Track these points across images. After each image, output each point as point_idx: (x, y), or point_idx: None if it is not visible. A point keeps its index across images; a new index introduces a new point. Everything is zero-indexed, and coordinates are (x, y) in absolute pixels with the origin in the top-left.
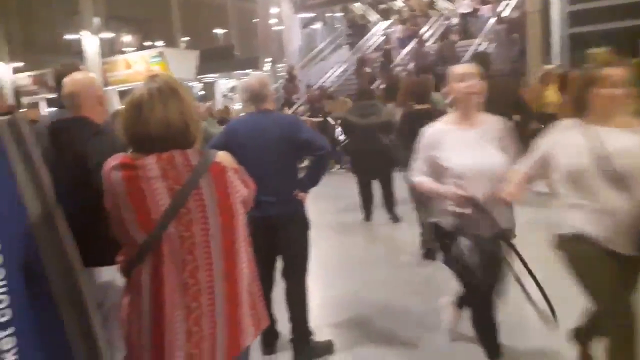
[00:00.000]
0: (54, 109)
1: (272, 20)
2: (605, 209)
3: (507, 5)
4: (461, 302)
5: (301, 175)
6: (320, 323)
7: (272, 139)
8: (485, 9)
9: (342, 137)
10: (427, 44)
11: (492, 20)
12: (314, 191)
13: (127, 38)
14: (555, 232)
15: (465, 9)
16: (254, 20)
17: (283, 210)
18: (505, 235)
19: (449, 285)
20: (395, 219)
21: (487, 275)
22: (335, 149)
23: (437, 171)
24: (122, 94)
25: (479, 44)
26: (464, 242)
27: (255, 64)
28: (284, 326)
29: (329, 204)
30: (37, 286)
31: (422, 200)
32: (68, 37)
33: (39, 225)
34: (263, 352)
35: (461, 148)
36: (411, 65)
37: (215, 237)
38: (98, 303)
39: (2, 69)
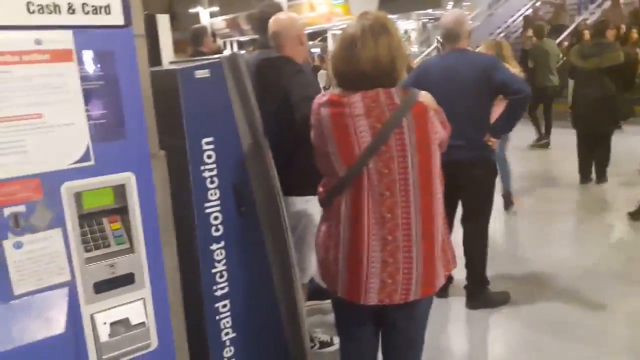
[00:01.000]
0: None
1: None
2: None
3: None
4: None
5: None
6: (498, 273)
7: (466, 80)
8: None
9: None
10: None
11: None
12: None
13: None
14: None
15: None
16: None
17: (471, 155)
18: None
19: None
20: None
21: None
22: None
23: None
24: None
25: None
26: None
27: (437, 4)
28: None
29: None
30: (245, 206)
31: None
32: None
33: (250, 153)
34: (436, 295)
35: None
36: None
37: (413, 175)
38: (292, 228)
39: (202, 14)
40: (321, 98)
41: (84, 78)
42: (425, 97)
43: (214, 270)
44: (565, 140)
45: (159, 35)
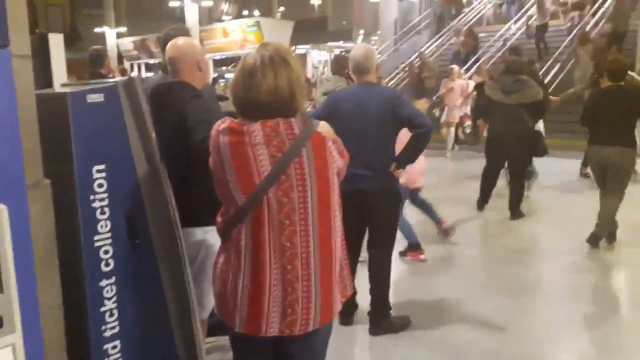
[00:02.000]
0: (152, 73)
1: None
2: None
3: None
4: None
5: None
6: (400, 300)
7: (373, 113)
8: None
9: None
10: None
11: None
12: None
13: (226, 6)
14: None
15: None
16: None
17: (376, 185)
18: None
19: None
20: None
21: None
22: None
23: None
24: (218, 62)
25: None
26: None
27: (348, 37)
28: (362, 299)
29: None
30: (140, 238)
31: None
32: (172, 3)
33: (146, 180)
34: (340, 322)
35: None
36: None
37: (312, 204)
38: (189, 260)
39: (108, 34)
40: (220, 125)
41: None
42: (323, 127)
43: (102, 309)
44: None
45: (51, 55)
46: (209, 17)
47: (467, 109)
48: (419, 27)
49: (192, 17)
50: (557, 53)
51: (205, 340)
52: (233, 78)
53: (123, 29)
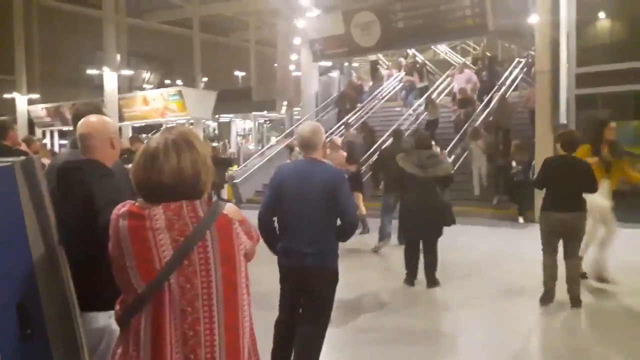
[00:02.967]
0: (66, 142)
1: (291, 67)
2: None
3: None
4: None
5: None
6: None
7: (315, 190)
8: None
9: None
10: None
11: None
12: None
13: (147, 75)
14: None
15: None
16: (274, 65)
17: (316, 262)
18: None
19: None
20: (435, 283)
21: None
22: None
23: None
24: (137, 130)
25: None
26: None
27: (272, 107)
28: None
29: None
30: (32, 328)
31: None
32: (90, 71)
33: (42, 264)
34: None
35: None
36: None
37: (217, 289)
38: (91, 349)
39: (19, 100)
40: (120, 209)
41: None
42: (229, 208)
43: None
44: None
45: None
46: (129, 85)
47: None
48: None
49: (110, 85)
50: (449, 146)
51: None
52: (135, 160)
53: (36, 96)
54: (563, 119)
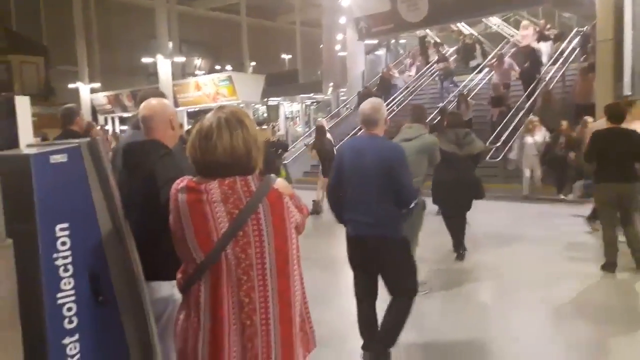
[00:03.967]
0: (126, 127)
1: (337, 47)
2: None
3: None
4: None
5: None
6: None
7: (373, 165)
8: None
9: None
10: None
11: None
12: None
13: (198, 61)
14: None
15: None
16: (320, 46)
17: (377, 232)
18: None
19: None
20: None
21: None
22: None
23: None
24: (191, 115)
25: None
26: None
27: (318, 89)
28: None
29: None
30: (104, 295)
31: None
32: (144, 60)
33: (109, 237)
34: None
35: None
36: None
37: (270, 259)
38: (157, 316)
39: (82, 89)
40: (179, 184)
41: None
42: (280, 183)
43: None
44: None
45: (17, 117)
46: (182, 71)
47: None
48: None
49: (165, 72)
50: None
51: None
52: (190, 139)
53: (97, 85)
54: (627, 90)
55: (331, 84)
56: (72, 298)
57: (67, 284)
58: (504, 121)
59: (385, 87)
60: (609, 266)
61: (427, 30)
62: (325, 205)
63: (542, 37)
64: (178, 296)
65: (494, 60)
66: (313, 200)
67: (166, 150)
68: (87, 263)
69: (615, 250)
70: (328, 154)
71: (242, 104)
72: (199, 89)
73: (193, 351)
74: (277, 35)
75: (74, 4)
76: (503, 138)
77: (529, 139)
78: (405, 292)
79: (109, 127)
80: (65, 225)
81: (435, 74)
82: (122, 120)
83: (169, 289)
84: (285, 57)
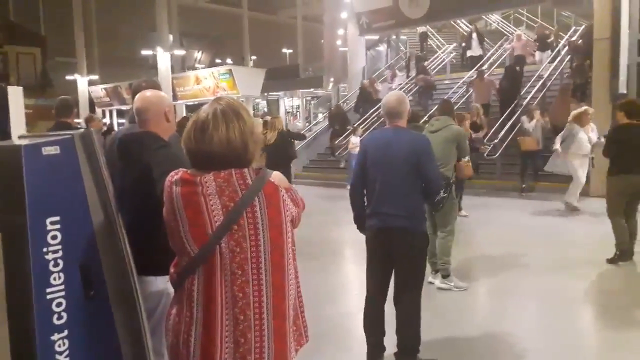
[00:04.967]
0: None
1: (338, 42)
2: None
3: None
4: None
5: None
6: (429, 340)
7: (400, 156)
8: None
9: None
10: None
11: None
12: None
13: (199, 55)
14: None
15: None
16: (321, 41)
17: (402, 224)
18: None
19: None
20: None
21: None
22: None
23: None
24: (190, 108)
25: None
26: None
27: (318, 84)
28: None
29: None
30: (95, 290)
31: None
32: (144, 52)
33: (101, 231)
34: None
35: None
36: None
37: (264, 253)
38: (150, 310)
39: (80, 82)
40: (173, 176)
41: None
42: (276, 177)
43: None
44: None
45: (10, 108)
46: (182, 64)
47: None
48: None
49: (164, 65)
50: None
51: None
52: (185, 130)
53: (95, 77)
54: (623, 88)
55: (332, 79)
56: (62, 293)
57: (57, 278)
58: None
59: (365, 99)
60: (625, 255)
61: (428, 27)
62: None
63: (540, 47)
64: (171, 290)
65: (474, 77)
66: None
67: (162, 143)
68: (78, 257)
69: (627, 239)
70: None
71: (242, 98)
72: (199, 83)
73: (185, 346)
74: (279, 30)
75: None
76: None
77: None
78: (416, 288)
79: (106, 119)
80: (56, 218)
81: (415, 88)
82: (120, 113)
83: (162, 284)
84: (286, 51)
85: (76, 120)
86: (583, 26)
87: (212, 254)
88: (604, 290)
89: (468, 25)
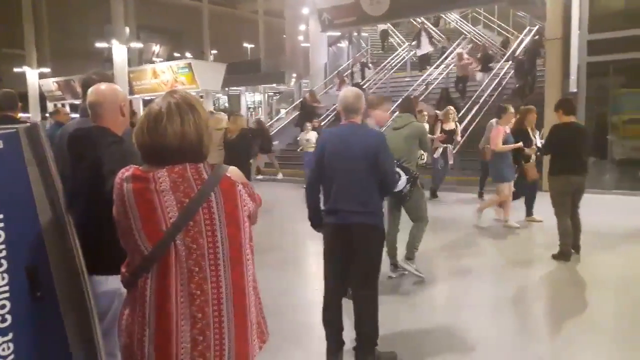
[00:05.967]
0: (76, 115)
1: (300, 37)
2: None
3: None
4: None
5: None
6: (386, 333)
7: (358, 152)
8: None
9: None
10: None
11: None
12: None
13: (157, 48)
14: None
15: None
16: (283, 36)
17: (361, 220)
18: None
19: None
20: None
21: None
22: None
23: None
24: (147, 103)
25: None
26: None
27: (280, 79)
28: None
29: None
30: (42, 291)
31: None
32: (99, 45)
33: (49, 229)
34: None
35: None
36: None
37: (222, 249)
38: (102, 311)
39: (29, 74)
40: (124, 173)
41: None
42: (232, 171)
43: None
44: None
45: None
46: (139, 58)
47: None
48: (348, 72)
49: (120, 58)
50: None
51: None
52: (138, 124)
53: (47, 70)
54: (573, 87)
55: (294, 74)
56: (6, 295)
57: (1, 279)
58: None
59: (307, 114)
60: (564, 255)
61: (389, 25)
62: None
63: (483, 67)
64: (124, 290)
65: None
66: None
67: (114, 139)
68: (24, 256)
69: (570, 240)
70: None
71: (201, 92)
72: (157, 77)
73: (139, 346)
74: (240, 24)
75: None
76: None
77: None
78: (373, 282)
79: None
80: None
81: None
82: (74, 107)
83: (116, 283)
84: (248, 46)
85: (24, 115)
86: (528, 38)
87: (167, 252)
88: (553, 284)
89: (419, 23)
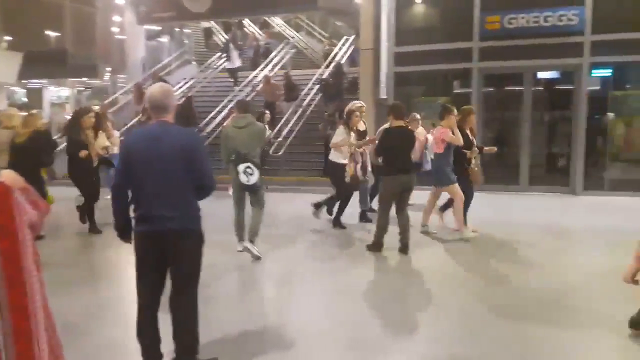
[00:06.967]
0: None
1: (114, 29)
2: None
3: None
4: None
5: None
6: (207, 341)
7: (171, 152)
8: None
9: None
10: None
11: None
12: None
13: None
14: None
15: None
16: (94, 26)
17: (178, 225)
18: None
19: None
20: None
21: None
22: None
23: None
24: None
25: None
26: None
27: (92, 72)
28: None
29: None
30: None
31: None
32: None
33: None
34: None
35: None
36: None
37: None
38: None
39: None
40: None
41: None
42: (7, 176)
43: None
44: None
45: None
46: None
47: None
48: (171, 68)
49: None
50: None
51: None
52: None
53: None
54: (383, 94)
55: (109, 68)
56: None
57: None
58: None
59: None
60: (376, 246)
61: (212, 22)
62: None
63: (287, 96)
64: None
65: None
66: None
67: None
68: None
69: (384, 235)
70: None
71: None
72: None
73: None
74: (42, 9)
75: None
76: None
77: None
78: (193, 289)
79: None
80: None
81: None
82: None
83: None
84: (52, 34)
85: None
86: (334, 62)
87: None
88: (386, 273)
89: (227, 36)
